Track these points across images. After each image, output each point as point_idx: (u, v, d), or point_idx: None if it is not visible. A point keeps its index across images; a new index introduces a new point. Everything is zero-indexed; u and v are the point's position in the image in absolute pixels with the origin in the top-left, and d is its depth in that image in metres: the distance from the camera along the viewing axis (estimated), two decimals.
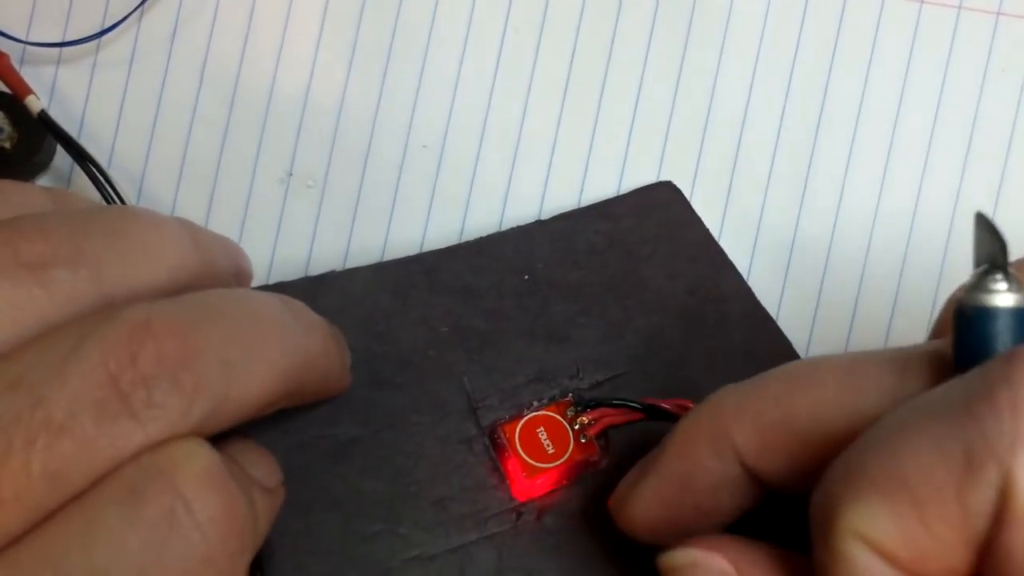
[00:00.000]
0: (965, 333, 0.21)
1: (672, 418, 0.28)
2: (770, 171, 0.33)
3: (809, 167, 0.33)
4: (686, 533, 0.23)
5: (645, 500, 0.24)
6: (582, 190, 0.33)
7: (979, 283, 0.21)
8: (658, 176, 0.33)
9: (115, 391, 0.19)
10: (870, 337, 0.32)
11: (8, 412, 0.18)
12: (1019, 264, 0.22)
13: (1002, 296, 0.20)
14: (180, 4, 0.33)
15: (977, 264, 0.21)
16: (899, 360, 0.21)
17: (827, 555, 0.19)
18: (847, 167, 0.33)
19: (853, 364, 0.22)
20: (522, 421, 0.28)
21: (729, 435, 0.22)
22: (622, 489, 0.25)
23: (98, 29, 0.32)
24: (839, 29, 0.33)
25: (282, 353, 0.22)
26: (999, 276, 0.21)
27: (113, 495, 0.19)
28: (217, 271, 0.24)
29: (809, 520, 0.20)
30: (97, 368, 0.19)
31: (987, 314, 0.20)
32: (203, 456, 0.20)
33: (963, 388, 0.19)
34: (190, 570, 0.19)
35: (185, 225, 0.23)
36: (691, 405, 0.27)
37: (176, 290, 0.22)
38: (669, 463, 0.23)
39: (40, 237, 0.20)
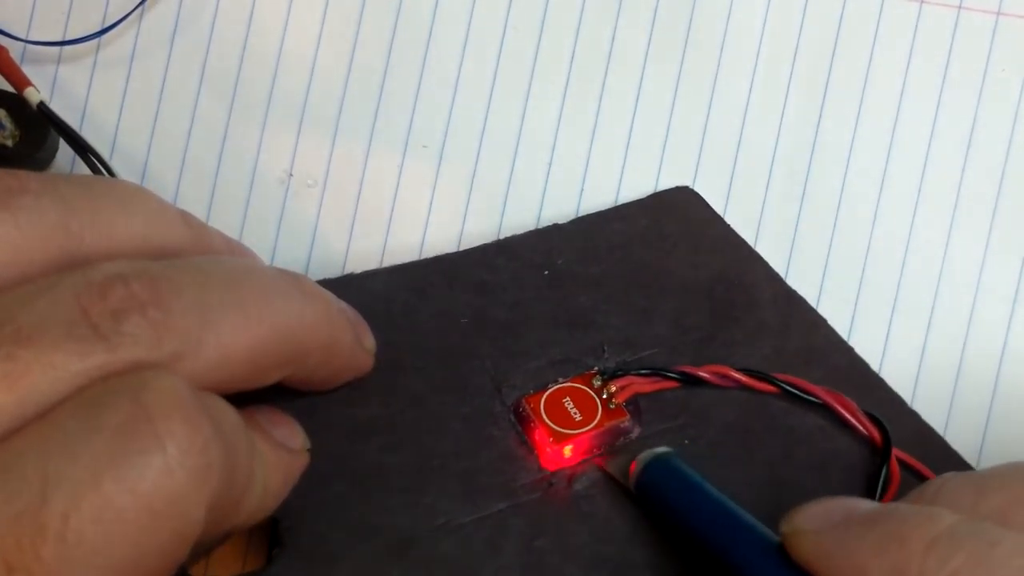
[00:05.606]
0: None
1: (710, 386, 0.28)
2: (770, 171, 0.33)
3: (809, 167, 0.33)
4: None
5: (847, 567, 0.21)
6: (582, 189, 0.33)
7: None
8: (658, 176, 0.33)
9: (84, 318, 0.19)
10: (869, 337, 0.32)
11: None
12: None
13: None
14: (180, 4, 0.33)
15: None
16: None
17: None
18: (847, 167, 0.33)
19: None
20: (547, 393, 0.27)
21: None
22: (819, 535, 0.21)
23: (98, 28, 0.32)
24: (839, 29, 0.33)
25: (269, 310, 0.21)
26: None
27: (75, 406, 0.18)
28: (211, 251, 0.24)
29: None
30: (68, 299, 0.19)
31: None
32: (172, 381, 0.19)
33: None
34: (148, 480, 0.18)
35: (180, 210, 0.23)
36: (731, 372, 0.28)
37: (158, 252, 0.22)
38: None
39: (11, 175, 0.20)
